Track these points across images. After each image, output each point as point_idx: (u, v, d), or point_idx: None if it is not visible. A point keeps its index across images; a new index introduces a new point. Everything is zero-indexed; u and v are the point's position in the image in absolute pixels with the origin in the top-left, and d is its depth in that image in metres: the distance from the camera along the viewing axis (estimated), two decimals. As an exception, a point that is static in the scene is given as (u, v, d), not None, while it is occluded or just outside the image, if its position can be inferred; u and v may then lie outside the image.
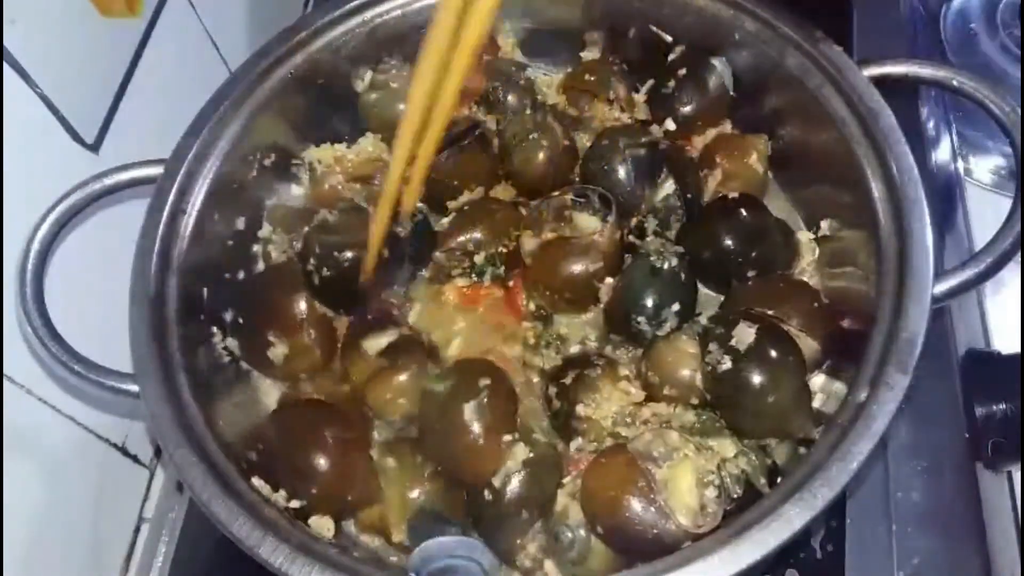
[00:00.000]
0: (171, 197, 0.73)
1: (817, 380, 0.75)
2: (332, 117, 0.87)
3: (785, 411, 0.67)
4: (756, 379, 0.67)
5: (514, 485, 0.66)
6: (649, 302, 0.74)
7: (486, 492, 0.67)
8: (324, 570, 0.58)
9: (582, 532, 0.66)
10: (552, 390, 0.74)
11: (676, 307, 0.74)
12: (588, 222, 0.78)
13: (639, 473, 0.63)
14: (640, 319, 0.74)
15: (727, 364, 0.67)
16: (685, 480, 0.63)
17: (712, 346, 0.69)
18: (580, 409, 0.71)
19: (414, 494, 0.69)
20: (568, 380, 0.73)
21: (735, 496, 0.64)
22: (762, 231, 0.77)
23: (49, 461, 0.75)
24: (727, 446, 0.67)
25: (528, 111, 0.85)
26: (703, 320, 0.73)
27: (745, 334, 0.67)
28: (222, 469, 0.64)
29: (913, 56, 0.97)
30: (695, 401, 0.71)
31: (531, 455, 0.67)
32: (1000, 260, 0.65)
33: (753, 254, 0.76)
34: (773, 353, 0.67)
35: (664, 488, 0.63)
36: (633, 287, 0.75)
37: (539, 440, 0.69)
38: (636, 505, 0.62)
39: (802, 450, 0.68)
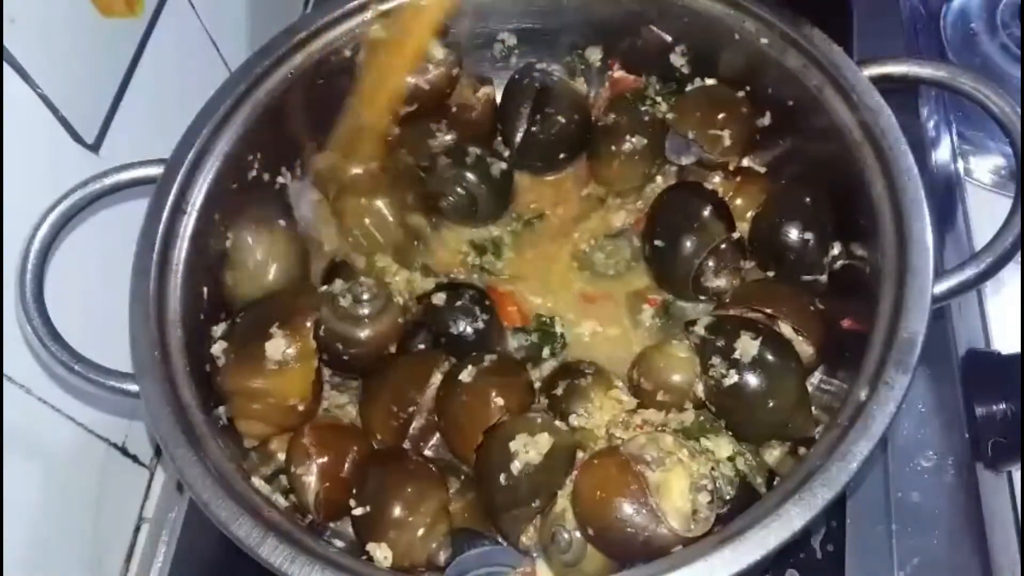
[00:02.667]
0: (171, 197, 0.73)
1: (816, 379, 0.75)
2: (331, 117, 0.87)
3: (788, 416, 0.67)
4: (762, 391, 0.67)
5: (531, 473, 0.66)
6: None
7: (503, 477, 0.66)
8: (324, 570, 0.58)
9: (579, 535, 0.66)
10: (544, 401, 0.74)
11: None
12: None
13: (631, 476, 0.63)
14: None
15: (733, 378, 0.67)
16: (678, 484, 0.63)
17: (715, 359, 0.68)
18: (573, 420, 0.71)
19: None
20: (559, 391, 0.73)
21: (727, 498, 0.64)
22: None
23: (49, 461, 0.75)
24: (723, 446, 0.67)
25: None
26: (700, 330, 0.71)
27: (748, 346, 0.67)
28: (222, 469, 0.64)
29: (913, 56, 0.97)
30: (688, 406, 0.71)
31: (553, 445, 0.67)
32: (1000, 260, 0.65)
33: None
34: (776, 362, 0.67)
35: (656, 492, 0.62)
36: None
37: (561, 429, 0.69)
38: (627, 507, 0.62)
39: (802, 450, 0.68)
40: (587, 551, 0.65)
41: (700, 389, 0.70)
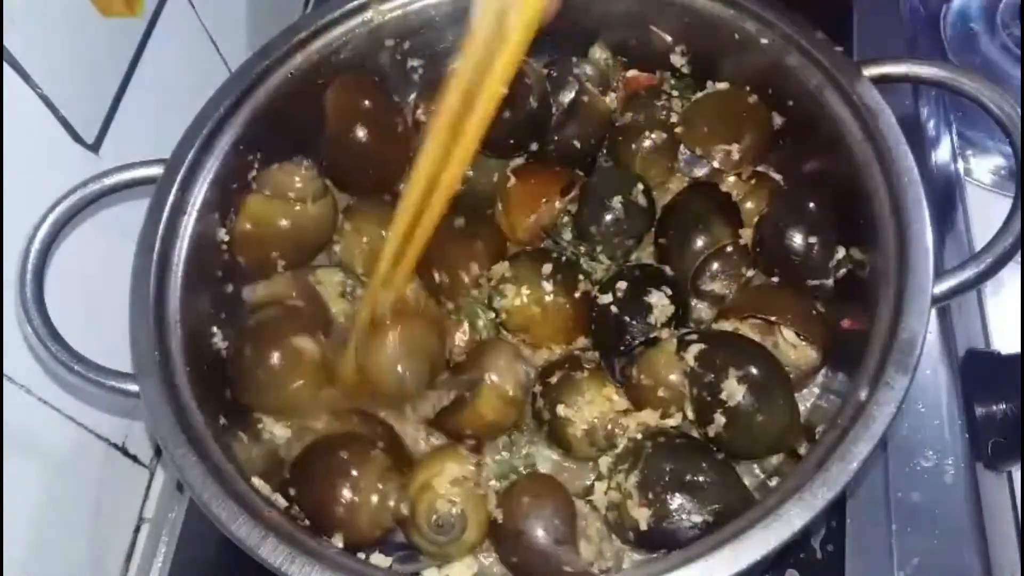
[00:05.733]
0: (171, 197, 0.73)
1: (817, 379, 0.75)
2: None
3: (777, 441, 0.68)
4: (748, 428, 0.67)
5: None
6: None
7: None
8: (324, 570, 0.58)
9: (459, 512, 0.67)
10: (537, 387, 0.74)
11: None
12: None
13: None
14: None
15: (720, 420, 0.68)
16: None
17: (703, 394, 0.69)
18: (560, 409, 0.71)
19: None
20: (554, 379, 0.73)
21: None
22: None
23: (49, 461, 0.75)
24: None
25: None
26: (690, 359, 0.70)
27: (734, 390, 0.67)
28: (222, 469, 0.64)
29: (913, 56, 0.97)
30: (687, 406, 0.71)
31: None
32: (1000, 260, 0.65)
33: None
34: (763, 401, 0.67)
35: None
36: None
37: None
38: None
39: (802, 449, 0.68)
40: (467, 523, 0.67)
41: (690, 412, 0.70)
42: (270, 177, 0.80)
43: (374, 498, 0.67)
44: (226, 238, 0.78)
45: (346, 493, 0.67)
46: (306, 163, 0.81)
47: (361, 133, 0.82)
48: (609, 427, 0.70)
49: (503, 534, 0.67)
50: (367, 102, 0.83)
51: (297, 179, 0.79)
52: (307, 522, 0.67)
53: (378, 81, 0.86)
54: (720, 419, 0.68)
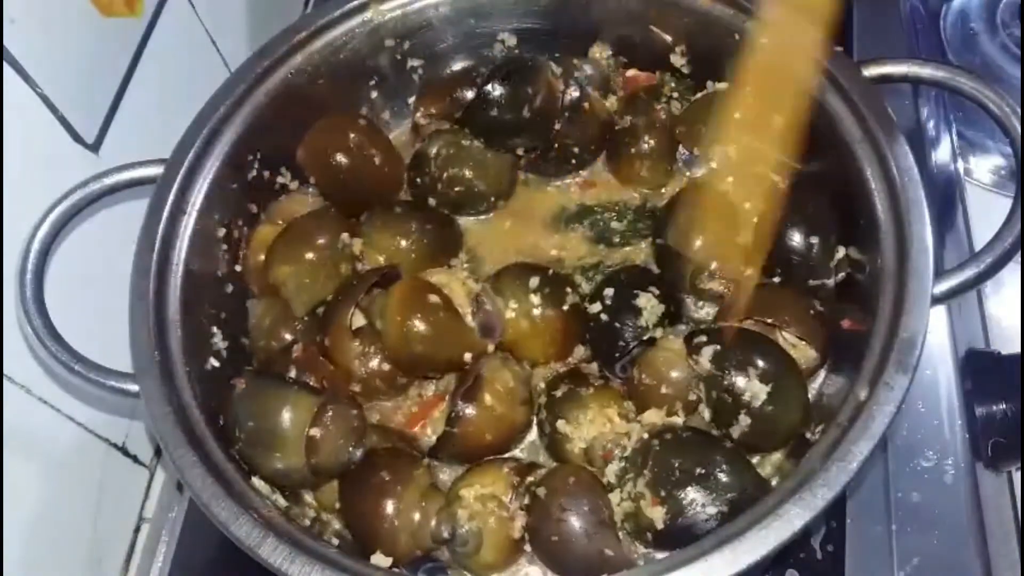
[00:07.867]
0: (171, 197, 0.73)
1: (817, 379, 0.75)
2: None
3: (791, 433, 0.68)
4: (770, 426, 0.68)
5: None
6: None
7: None
8: (324, 570, 0.58)
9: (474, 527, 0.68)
10: (542, 399, 0.74)
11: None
12: None
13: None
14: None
15: (745, 421, 0.67)
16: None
17: (723, 396, 0.68)
18: (560, 425, 0.71)
19: None
20: (559, 392, 0.73)
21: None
22: None
23: (49, 461, 0.75)
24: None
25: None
26: (705, 363, 0.69)
27: (758, 390, 0.67)
28: (222, 469, 0.64)
29: (913, 56, 0.97)
30: (694, 397, 0.71)
31: None
32: (1000, 260, 0.65)
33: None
34: (783, 398, 0.67)
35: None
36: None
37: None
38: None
39: (813, 435, 0.68)
40: (483, 541, 0.67)
41: (707, 415, 0.70)
42: (279, 207, 0.82)
43: (416, 516, 0.67)
44: (239, 268, 0.80)
45: (389, 511, 0.67)
46: (312, 191, 0.84)
47: (339, 188, 0.83)
48: (608, 446, 0.70)
49: (543, 511, 0.66)
50: (338, 155, 0.82)
51: (306, 208, 0.81)
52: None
53: (346, 118, 0.85)
54: (745, 420, 0.67)
